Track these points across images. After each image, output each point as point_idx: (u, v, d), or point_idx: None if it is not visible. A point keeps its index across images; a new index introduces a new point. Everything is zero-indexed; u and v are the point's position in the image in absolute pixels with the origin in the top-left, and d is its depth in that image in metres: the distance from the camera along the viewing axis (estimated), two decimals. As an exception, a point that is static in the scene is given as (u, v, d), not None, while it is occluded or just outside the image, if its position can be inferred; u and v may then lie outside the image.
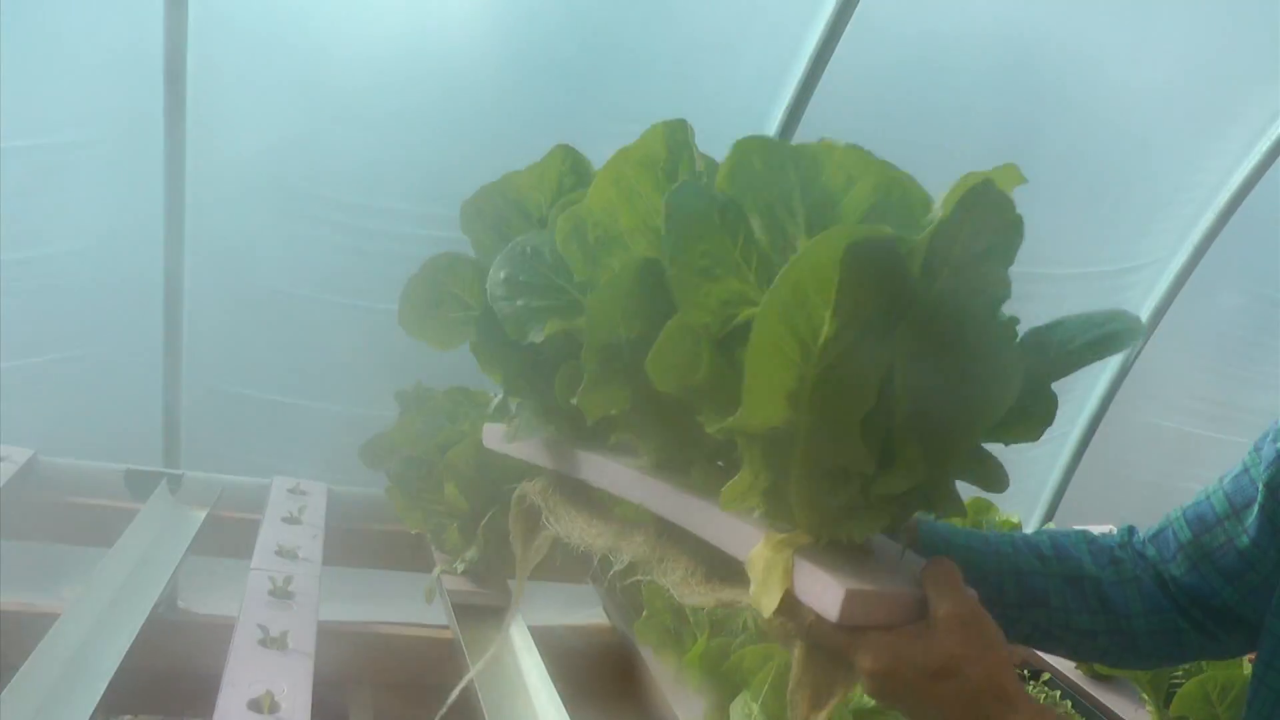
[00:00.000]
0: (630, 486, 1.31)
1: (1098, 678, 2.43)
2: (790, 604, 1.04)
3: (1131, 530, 1.47)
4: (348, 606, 2.40)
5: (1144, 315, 3.83)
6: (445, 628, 2.25)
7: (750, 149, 1.01)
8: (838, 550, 1.06)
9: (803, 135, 3.05)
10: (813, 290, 0.91)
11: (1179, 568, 1.38)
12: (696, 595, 1.19)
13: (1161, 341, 3.87)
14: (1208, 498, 1.40)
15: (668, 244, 1.06)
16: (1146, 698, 2.33)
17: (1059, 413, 3.67)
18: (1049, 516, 3.98)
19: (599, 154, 2.96)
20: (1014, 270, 3.22)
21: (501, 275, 1.36)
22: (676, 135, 1.21)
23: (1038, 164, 3.43)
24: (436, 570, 2.30)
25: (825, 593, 1.00)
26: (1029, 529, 3.02)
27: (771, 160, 1.01)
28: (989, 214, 0.98)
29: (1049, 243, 3.54)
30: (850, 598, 0.98)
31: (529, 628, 2.06)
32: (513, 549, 1.66)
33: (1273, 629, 1.31)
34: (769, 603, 1.04)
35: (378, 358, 3.02)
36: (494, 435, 1.71)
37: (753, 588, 1.06)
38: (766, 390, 0.97)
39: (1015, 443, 1.13)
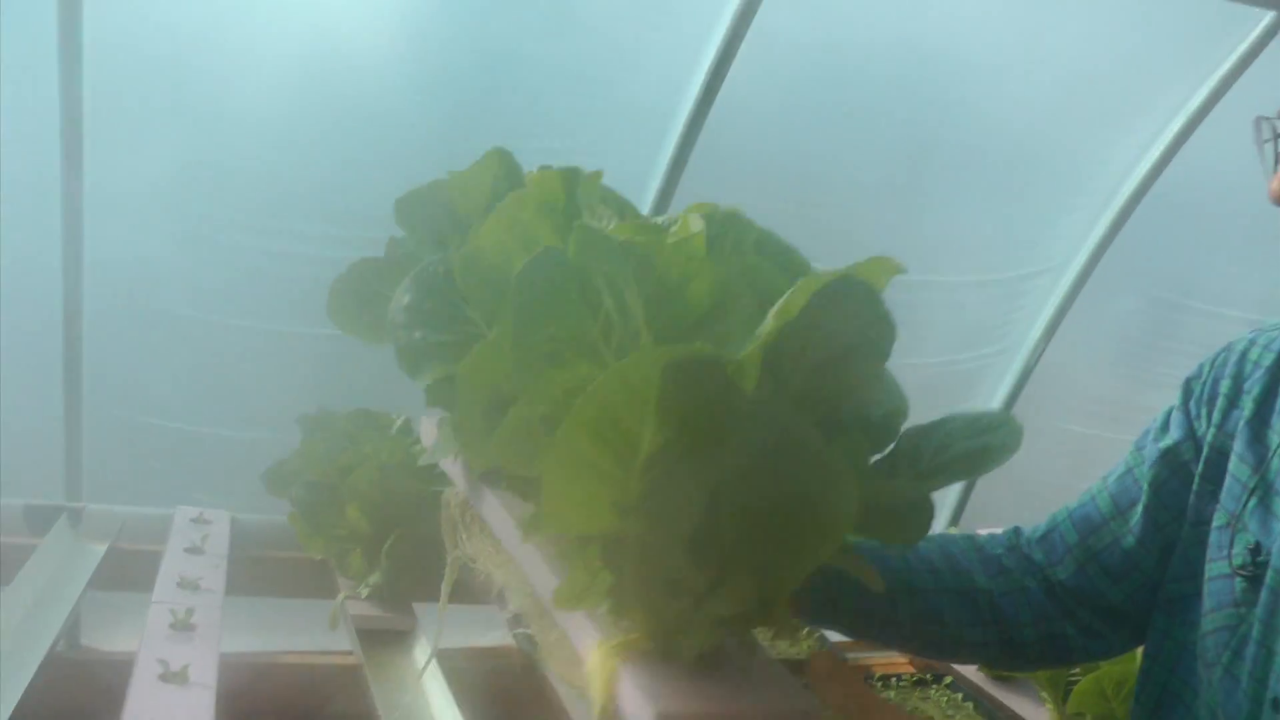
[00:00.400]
0: (513, 543, 1.24)
1: (998, 679, 2.48)
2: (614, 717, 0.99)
3: (1018, 531, 1.48)
4: (253, 637, 2.38)
5: (1043, 319, 3.92)
6: (350, 654, 2.24)
7: (589, 233, 0.97)
8: (675, 660, 0.99)
9: (704, 144, 3.10)
10: (625, 410, 0.86)
11: (1065, 571, 1.40)
12: (564, 665, 1.13)
13: (1061, 345, 3.95)
14: (1093, 498, 1.42)
15: (513, 324, 0.97)
16: (1046, 696, 2.38)
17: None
18: (955, 521, 4.04)
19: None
20: (914, 279, 3.27)
21: (405, 300, 1.27)
22: (573, 179, 1.15)
23: (936, 173, 3.50)
24: (340, 596, 2.29)
25: (639, 712, 0.93)
26: (936, 529, 3.07)
27: (614, 246, 0.96)
28: (849, 312, 0.94)
29: (948, 250, 3.61)
30: None
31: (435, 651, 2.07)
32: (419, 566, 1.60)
33: (1157, 623, 1.35)
34: (594, 713, 0.99)
35: (283, 381, 3.00)
36: (428, 431, 1.62)
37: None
38: (576, 502, 0.91)
39: (891, 543, 1.10)
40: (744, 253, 1.04)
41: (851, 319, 0.94)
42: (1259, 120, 1.16)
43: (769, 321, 0.89)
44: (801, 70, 3.13)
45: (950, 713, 2.42)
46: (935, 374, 3.83)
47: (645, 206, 3.19)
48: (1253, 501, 1.24)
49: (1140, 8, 3.27)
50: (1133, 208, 3.73)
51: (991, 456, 1.04)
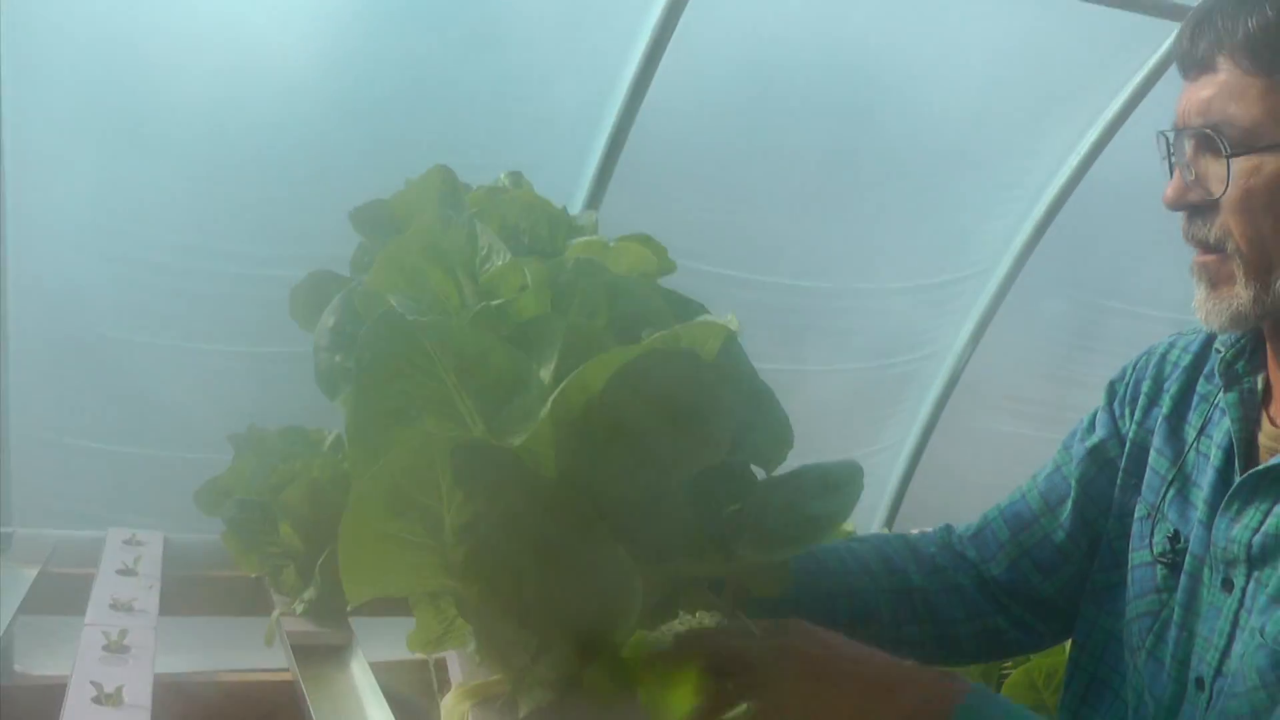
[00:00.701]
0: None
1: (933, 675, 2.51)
2: None
3: (949, 529, 1.53)
4: (188, 657, 2.36)
5: (970, 324, 3.99)
6: (287, 670, 2.23)
7: (387, 318, 0.95)
8: (530, 706, 0.99)
9: (630, 154, 3.13)
10: (418, 490, 0.88)
11: (998, 566, 1.45)
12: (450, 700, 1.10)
13: (989, 349, 4.03)
14: (1023, 496, 1.48)
15: (358, 382, 0.96)
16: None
17: (894, 421, 3.77)
18: (889, 521, 4.09)
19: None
20: (843, 285, 3.29)
21: (330, 323, 1.24)
22: (446, 226, 1.13)
23: (862, 180, 3.56)
24: (275, 613, 2.28)
25: None
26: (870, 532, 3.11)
27: (408, 327, 0.94)
28: (666, 383, 0.92)
29: (876, 256, 3.66)
30: None
31: (370, 664, 2.06)
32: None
33: (1085, 613, 1.40)
34: None
35: (213, 400, 2.98)
36: None
37: None
38: (389, 570, 0.92)
39: (759, 596, 1.11)
40: (594, 305, 1.02)
41: (671, 389, 0.93)
42: (1159, 136, 1.23)
43: (549, 404, 0.88)
44: (726, 80, 3.17)
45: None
46: (866, 378, 3.88)
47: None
48: (1171, 492, 1.30)
49: (1056, 19, 3.34)
50: (1055, 212, 3.82)
51: (824, 526, 1.04)
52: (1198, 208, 1.19)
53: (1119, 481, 1.40)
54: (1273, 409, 1.24)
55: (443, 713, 1.01)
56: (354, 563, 0.91)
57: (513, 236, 1.13)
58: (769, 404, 1.07)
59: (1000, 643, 1.47)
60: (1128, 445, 1.39)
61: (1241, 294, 1.15)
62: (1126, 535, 1.36)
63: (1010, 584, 1.44)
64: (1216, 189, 1.15)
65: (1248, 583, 1.17)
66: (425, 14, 2.84)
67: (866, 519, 4.09)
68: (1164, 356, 1.40)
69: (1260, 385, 1.27)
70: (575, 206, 3.19)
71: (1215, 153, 1.15)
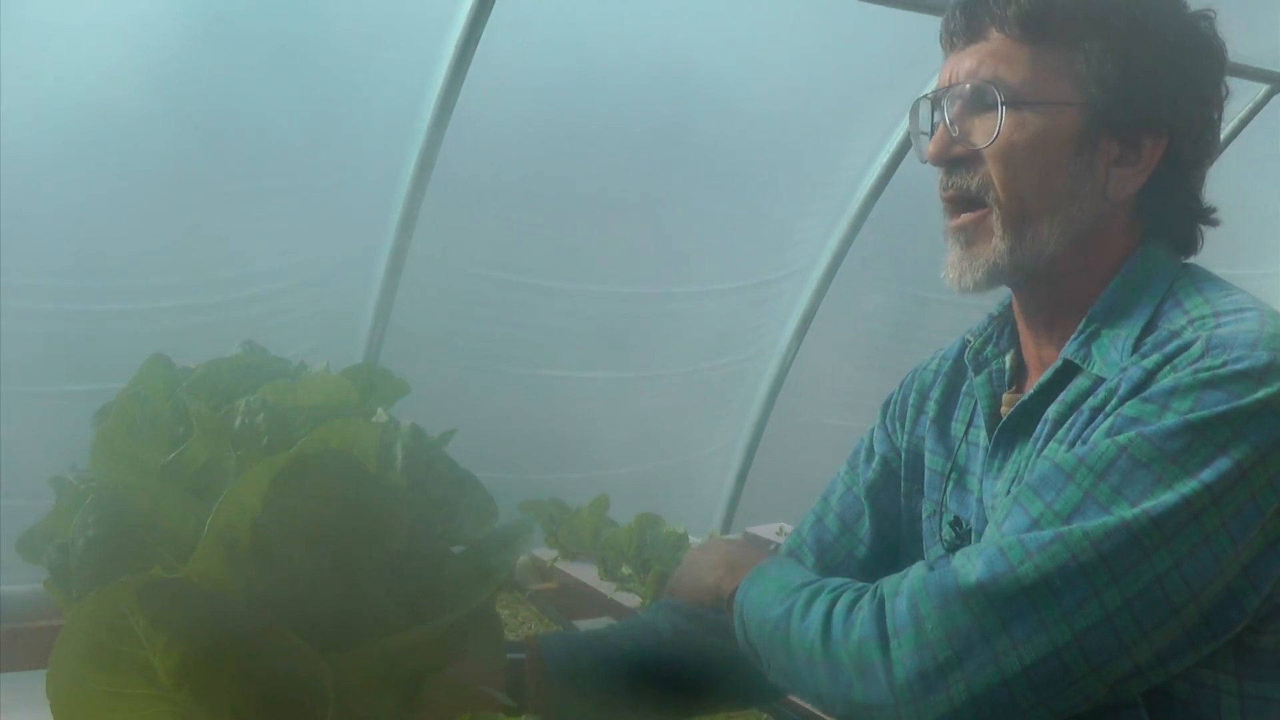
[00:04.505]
0: None
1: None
2: None
3: None
4: (20, 716, 2.28)
5: (794, 321, 4.09)
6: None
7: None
8: None
9: (444, 165, 3.13)
10: (113, 640, 0.89)
11: None
12: None
13: (814, 344, 4.13)
14: (819, 519, 1.54)
15: (80, 559, 1.00)
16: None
17: (725, 422, 3.82)
18: (727, 520, 4.16)
19: (239, 210, 2.87)
20: (664, 291, 3.33)
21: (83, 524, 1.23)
22: (142, 399, 1.16)
23: (680, 188, 3.61)
24: (107, 658, 2.21)
25: None
26: (706, 533, 3.16)
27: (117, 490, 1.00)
28: (321, 489, 0.95)
29: (695, 260, 3.72)
30: None
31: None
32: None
33: None
34: None
35: (36, 444, 2.86)
36: None
37: None
38: None
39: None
40: (267, 437, 1.06)
41: (327, 492, 0.95)
42: (918, 102, 1.34)
43: (206, 529, 0.91)
44: (536, 92, 3.20)
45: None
46: (694, 380, 3.94)
47: (389, 234, 3.21)
48: (950, 485, 1.39)
49: (861, 22, 3.44)
50: (869, 208, 3.93)
51: (498, 575, 1.08)
52: (961, 161, 1.27)
53: (903, 490, 1.48)
54: (1026, 384, 1.32)
55: None
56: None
57: (228, 401, 1.14)
58: (470, 486, 1.11)
59: None
60: (904, 455, 1.47)
61: (999, 246, 1.24)
62: (919, 538, 1.45)
63: None
64: (982, 141, 1.24)
65: None
66: (231, 34, 2.78)
67: (707, 518, 4.17)
68: (926, 368, 1.50)
69: (1008, 365, 1.36)
70: (392, 225, 3.17)
71: (983, 109, 1.24)
